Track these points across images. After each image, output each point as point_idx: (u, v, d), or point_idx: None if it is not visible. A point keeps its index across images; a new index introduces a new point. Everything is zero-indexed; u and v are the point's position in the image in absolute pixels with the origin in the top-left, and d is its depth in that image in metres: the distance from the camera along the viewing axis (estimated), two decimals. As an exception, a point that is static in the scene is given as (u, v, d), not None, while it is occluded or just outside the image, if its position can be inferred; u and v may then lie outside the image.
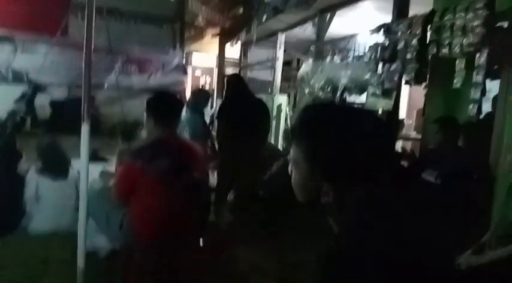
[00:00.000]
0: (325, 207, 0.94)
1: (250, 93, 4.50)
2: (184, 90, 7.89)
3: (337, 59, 5.50)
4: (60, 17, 5.72)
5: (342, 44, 6.92)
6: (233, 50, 9.30)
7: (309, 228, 2.71)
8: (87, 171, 2.23)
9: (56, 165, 3.40)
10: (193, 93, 5.70)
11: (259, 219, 4.02)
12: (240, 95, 4.35)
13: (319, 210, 0.96)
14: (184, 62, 8.61)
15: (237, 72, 8.72)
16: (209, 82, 10.19)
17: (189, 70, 9.07)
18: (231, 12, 7.56)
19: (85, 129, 2.11)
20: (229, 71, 9.06)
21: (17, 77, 6.90)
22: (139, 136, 4.59)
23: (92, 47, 2.05)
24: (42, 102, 6.95)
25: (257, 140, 4.31)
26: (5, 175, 3.34)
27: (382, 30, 3.76)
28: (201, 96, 5.31)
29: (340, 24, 6.01)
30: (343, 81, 4.83)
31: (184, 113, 4.23)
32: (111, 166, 3.92)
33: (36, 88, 6.96)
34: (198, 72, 10.04)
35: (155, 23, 7.66)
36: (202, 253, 2.79)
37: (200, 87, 9.27)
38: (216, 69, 9.55)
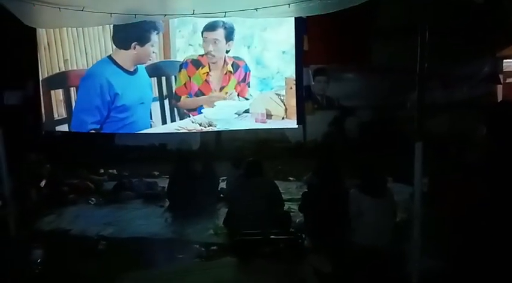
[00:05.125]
0: None
1: None
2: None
3: None
4: (366, 45, 6.13)
5: None
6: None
7: None
8: (421, 188, 2.21)
9: (374, 184, 3.57)
10: None
11: None
12: None
13: None
14: (495, 69, 7.62)
15: None
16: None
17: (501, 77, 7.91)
18: None
19: (418, 147, 2.11)
20: None
21: (330, 103, 7.88)
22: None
23: (424, 70, 2.04)
24: (351, 124, 7.65)
25: None
26: (333, 192, 3.74)
27: None
28: None
29: None
30: None
31: None
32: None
33: (346, 112, 7.75)
34: (510, 79, 8.70)
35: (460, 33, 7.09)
36: None
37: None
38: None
